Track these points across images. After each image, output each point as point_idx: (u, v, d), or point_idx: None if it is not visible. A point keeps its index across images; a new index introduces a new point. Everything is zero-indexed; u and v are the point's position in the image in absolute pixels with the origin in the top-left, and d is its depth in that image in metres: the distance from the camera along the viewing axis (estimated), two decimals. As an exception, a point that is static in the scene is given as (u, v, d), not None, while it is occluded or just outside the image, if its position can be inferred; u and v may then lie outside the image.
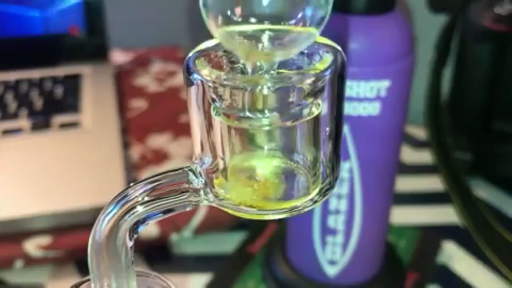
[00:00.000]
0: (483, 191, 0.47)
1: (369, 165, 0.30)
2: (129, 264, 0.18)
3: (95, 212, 0.38)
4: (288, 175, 0.18)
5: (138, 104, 0.58)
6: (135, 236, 0.18)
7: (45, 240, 0.38)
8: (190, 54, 0.17)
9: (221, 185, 0.18)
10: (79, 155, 0.46)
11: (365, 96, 0.28)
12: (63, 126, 0.50)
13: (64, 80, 0.57)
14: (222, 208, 0.18)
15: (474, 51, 0.45)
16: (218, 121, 0.17)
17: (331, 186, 0.19)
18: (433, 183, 0.48)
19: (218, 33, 0.16)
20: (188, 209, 0.18)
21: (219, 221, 0.41)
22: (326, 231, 0.32)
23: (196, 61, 0.17)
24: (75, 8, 0.60)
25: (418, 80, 0.32)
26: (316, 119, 0.17)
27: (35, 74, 0.58)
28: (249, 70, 0.16)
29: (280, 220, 0.41)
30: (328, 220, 0.32)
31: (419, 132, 0.55)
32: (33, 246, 0.38)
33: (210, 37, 0.17)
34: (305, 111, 0.17)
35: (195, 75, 0.17)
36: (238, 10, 0.15)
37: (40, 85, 0.56)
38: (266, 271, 0.37)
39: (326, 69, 0.16)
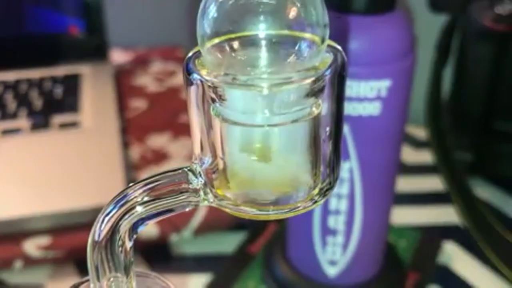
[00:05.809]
0: (483, 191, 0.46)
1: (369, 165, 0.30)
2: (128, 264, 0.18)
3: (94, 212, 0.38)
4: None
5: (138, 104, 0.58)
6: (135, 236, 0.18)
7: (44, 240, 0.38)
8: (190, 54, 0.17)
9: (220, 186, 0.18)
10: (79, 155, 0.46)
11: (366, 96, 0.28)
12: (63, 126, 0.50)
13: (64, 80, 0.57)
14: (222, 208, 0.18)
15: (475, 51, 0.45)
16: (218, 121, 0.17)
17: (331, 186, 0.19)
18: (433, 183, 0.48)
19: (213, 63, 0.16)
20: (187, 209, 0.18)
21: (219, 222, 0.41)
22: (326, 231, 0.32)
23: (196, 61, 0.17)
24: (75, 8, 0.60)
25: (418, 80, 0.32)
26: (316, 119, 0.17)
27: (35, 73, 0.58)
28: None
29: (280, 220, 0.41)
30: (328, 221, 0.32)
31: (419, 132, 0.55)
32: (32, 246, 0.38)
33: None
34: (305, 111, 0.17)
35: (195, 75, 0.16)
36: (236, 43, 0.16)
37: (39, 85, 0.56)
38: (266, 272, 0.37)
39: (326, 69, 0.16)
